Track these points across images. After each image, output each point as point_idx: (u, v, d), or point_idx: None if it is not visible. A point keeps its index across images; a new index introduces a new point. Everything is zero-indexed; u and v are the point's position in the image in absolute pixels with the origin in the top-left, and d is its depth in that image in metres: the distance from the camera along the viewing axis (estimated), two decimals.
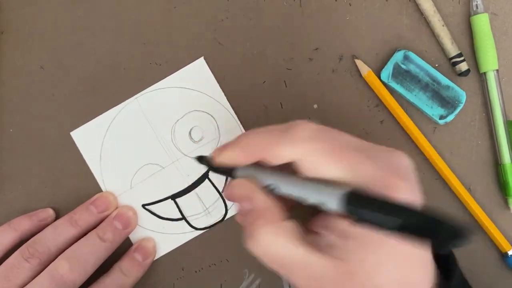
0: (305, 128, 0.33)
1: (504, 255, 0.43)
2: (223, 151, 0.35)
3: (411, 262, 0.31)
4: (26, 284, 0.39)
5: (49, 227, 0.42)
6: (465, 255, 0.43)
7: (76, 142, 0.44)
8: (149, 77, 0.44)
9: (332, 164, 0.31)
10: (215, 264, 0.44)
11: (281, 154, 0.32)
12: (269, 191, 0.34)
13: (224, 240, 0.44)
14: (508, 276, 0.43)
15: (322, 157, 0.31)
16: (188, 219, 0.44)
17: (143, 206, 0.44)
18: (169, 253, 0.44)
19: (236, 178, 0.35)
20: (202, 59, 0.44)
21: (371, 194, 0.29)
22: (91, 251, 0.41)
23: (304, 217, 0.34)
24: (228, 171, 0.36)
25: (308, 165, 0.32)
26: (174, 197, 0.44)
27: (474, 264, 0.43)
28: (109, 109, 0.44)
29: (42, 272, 0.40)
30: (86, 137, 0.44)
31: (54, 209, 0.44)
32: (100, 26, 0.45)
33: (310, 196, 0.32)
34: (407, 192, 0.30)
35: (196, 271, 0.44)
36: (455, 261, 0.35)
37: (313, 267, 0.31)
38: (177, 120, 0.44)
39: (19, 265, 0.40)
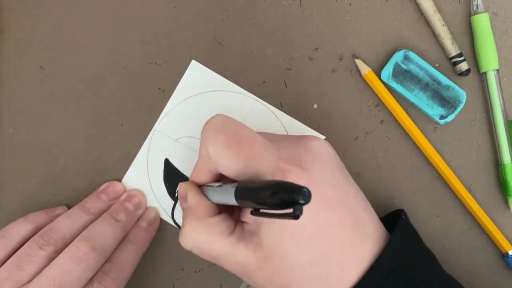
0: (212, 122, 0.35)
1: (504, 255, 0.43)
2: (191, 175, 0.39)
3: (317, 242, 0.33)
4: (39, 273, 0.38)
5: (62, 216, 0.41)
6: (465, 255, 0.44)
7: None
8: (149, 77, 0.44)
9: (230, 157, 0.33)
10: (215, 264, 0.44)
11: (203, 168, 0.36)
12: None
13: None
14: (508, 276, 0.43)
15: (221, 150, 0.34)
16: (177, 205, 0.44)
17: (166, 159, 0.44)
18: (169, 253, 0.44)
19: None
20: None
21: (251, 184, 0.31)
22: (109, 230, 0.41)
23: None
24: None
25: (214, 159, 0.34)
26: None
27: (474, 264, 0.43)
28: (109, 108, 0.45)
29: (61, 254, 0.38)
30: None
31: None
32: (100, 26, 0.45)
33: (219, 198, 0.35)
34: (296, 175, 0.32)
35: (196, 271, 0.44)
36: (404, 219, 0.37)
37: (238, 255, 0.34)
38: None
39: (34, 253, 0.38)
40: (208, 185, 0.37)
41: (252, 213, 0.30)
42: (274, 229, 0.33)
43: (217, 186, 0.35)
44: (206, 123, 0.35)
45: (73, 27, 0.45)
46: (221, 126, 0.34)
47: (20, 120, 0.45)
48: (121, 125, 0.45)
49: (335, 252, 0.33)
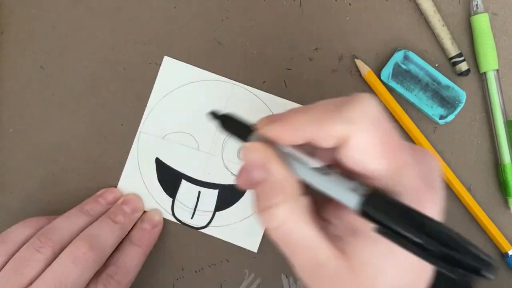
0: (368, 105, 0.28)
1: (504, 255, 0.43)
2: (272, 124, 0.30)
3: (415, 272, 0.29)
4: (39, 276, 0.37)
5: (60, 217, 0.41)
6: None
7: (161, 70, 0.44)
8: (149, 77, 0.44)
9: (380, 158, 0.27)
10: (215, 264, 0.44)
11: (332, 133, 0.28)
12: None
13: (224, 240, 0.44)
14: (508, 276, 0.43)
15: (373, 146, 0.27)
16: (175, 202, 0.44)
17: (157, 159, 0.44)
18: (169, 253, 0.44)
19: (251, 141, 0.30)
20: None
21: (395, 200, 0.26)
22: (108, 231, 0.41)
23: (314, 199, 0.31)
24: (242, 135, 0.31)
25: (354, 150, 0.27)
26: (183, 176, 0.44)
27: None
28: (109, 108, 0.45)
29: (60, 255, 0.38)
30: (168, 73, 0.45)
31: (53, 209, 0.44)
32: (100, 26, 0.45)
33: (328, 187, 0.28)
34: (434, 205, 0.28)
35: (196, 271, 0.44)
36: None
37: (318, 252, 0.29)
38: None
39: (31, 257, 0.37)
40: (294, 158, 0.29)
41: (380, 231, 0.25)
42: (378, 249, 0.28)
43: (313, 168, 0.28)
44: (359, 101, 0.28)
45: (73, 27, 0.45)
46: (378, 117, 0.28)
47: (20, 120, 0.45)
48: (121, 125, 0.45)
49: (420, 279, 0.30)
